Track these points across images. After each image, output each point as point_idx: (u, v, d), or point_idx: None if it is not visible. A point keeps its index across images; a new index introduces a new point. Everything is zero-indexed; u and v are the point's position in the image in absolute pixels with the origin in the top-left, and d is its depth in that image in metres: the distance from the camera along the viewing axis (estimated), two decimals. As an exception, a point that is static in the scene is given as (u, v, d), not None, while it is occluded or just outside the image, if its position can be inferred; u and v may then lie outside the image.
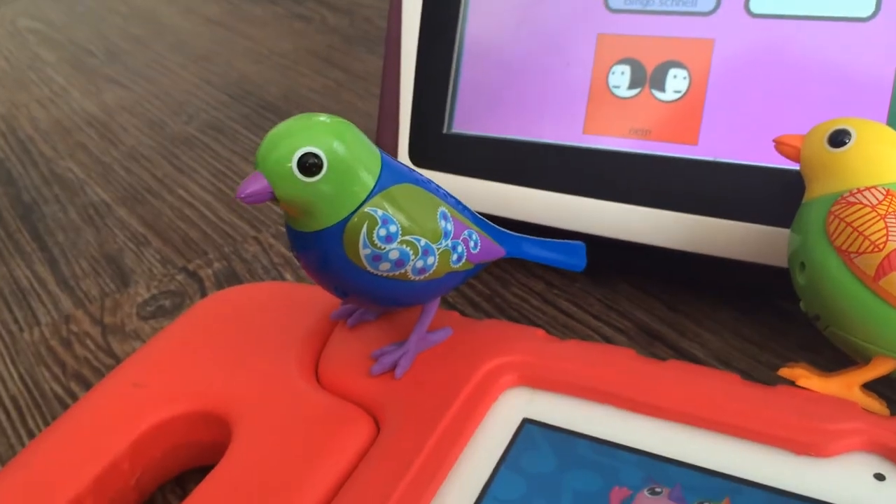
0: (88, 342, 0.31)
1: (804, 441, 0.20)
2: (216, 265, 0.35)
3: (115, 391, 0.24)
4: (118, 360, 0.30)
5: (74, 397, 0.28)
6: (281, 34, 0.62)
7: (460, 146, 0.31)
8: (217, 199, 0.40)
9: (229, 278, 0.34)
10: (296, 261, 0.34)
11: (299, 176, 0.20)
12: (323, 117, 0.21)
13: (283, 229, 0.36)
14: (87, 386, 0.29)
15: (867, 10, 0.25)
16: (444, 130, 0.31)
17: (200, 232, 0.37)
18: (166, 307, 0.32)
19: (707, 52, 0.27)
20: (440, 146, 0.31)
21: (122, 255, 0.36)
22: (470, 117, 0.31)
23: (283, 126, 0.20)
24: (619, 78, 0.28)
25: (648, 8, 0.28)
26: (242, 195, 0.20)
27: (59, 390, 0.29)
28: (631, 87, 0.28)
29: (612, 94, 0.28)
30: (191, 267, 0.35)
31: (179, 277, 0.34)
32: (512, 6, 0.30)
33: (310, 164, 0.20)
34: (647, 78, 0.28)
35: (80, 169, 0.45)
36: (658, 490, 0.20)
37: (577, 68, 0.29)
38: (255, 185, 0.20)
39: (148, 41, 0.64)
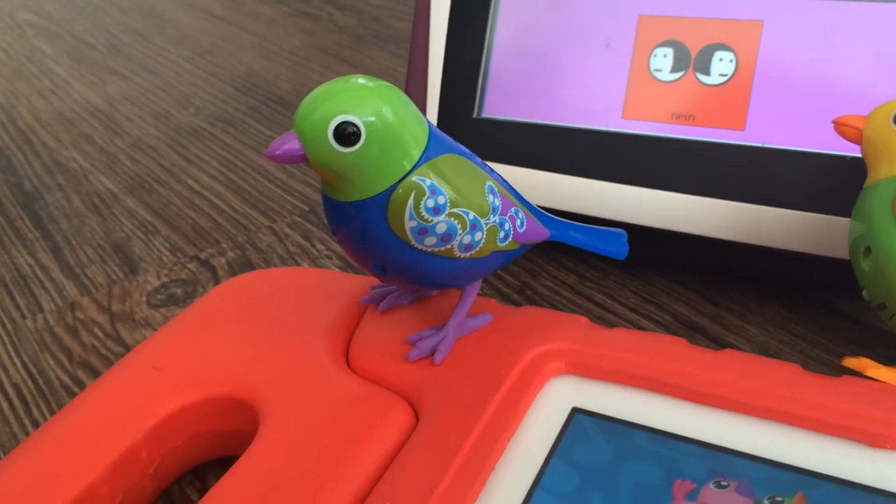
0: (96, 330, 0.29)
1: (880, 433, 0.19)
2: (230, 254, 0.33)
3: (133, 374, 0.22)
4: (128, 349, 0.28)
5: (82, 386, 0.27)
6: (288, 31, 0.60)
7: (491, 131, 0.29)
8: (228, 189, 0.38)
9: (244, 268, 0.32)
10: (313, 250, 0.33)
11: (335, 144, 0.19)
12: (368, 80, 0.19)
13: (300, 219, 0.35)
14: (96, 375, 0.27)
15: (926, -9, 0.24)
16: (474, 115, 0.30)
17: (212, 221, 0.36)
18: (178, 295, 0.31)
19: (755, 35, 0.26)
20: (470, 131, 0.30)
21: (130, 243, 0.35)
22: (501, 101, 0.30)
23: (325, 87, 0.19)
24: (662, 61, 0.27)
25: (694, -12, 0.27)
26: (273, 154, 0.19)
27: (66, 379, 0.27)
28: (674, 70, 0.27)
29: (654, 77, 0.27)
30: (203, 256, 0.33)
31: (191, 266, 0.33)
32: (550, -15, 0.29)
33: (347, 134, 0.19)
34: (692, 61, 0.27)
35: (84, 158, 0.43)
36: (724, 483, 0.18)
37: (616, 50, 0.28)
38: (287, 144, 0.19)
39: (150, 35, 0.62)
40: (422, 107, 0.31)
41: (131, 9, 0.69)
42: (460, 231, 0.20)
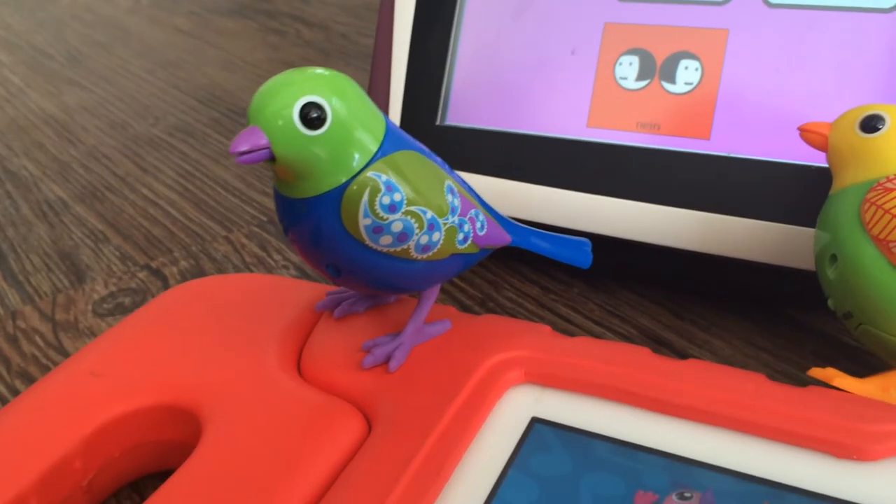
0: (37, 339, 0.28)
1: (846, 443, 0.18)
2: (182, 263, 0.32)
3: (68, 380, 0.21)
4: (70, 359, 0.27)
5: (19, 396, 0.25)
6: (255, 46, 0.60)
7: (454, 139, 0.29)
8: (184, 199, 0.37)
9: (197, 277, 0.31)
10: (270, 260, 0.32)
11: (301, 128, 0.18)
12: (322, 70, 0.19)
13: (257, 229, 0.34)
14: (34, 385, 0.26)
15: (889, 2, 0.24)
16: (437, 122, 0.29)
17: (165, 230, 0.35)
18: (126, 305, 0.30)
19: (721, 43, 0.26)
20: (433, 139, 0.29)
21: (78, 251, 0.33)
22: (465, 108, 0.29)
23: (280, 77, 0.18)
24: (627, 69, 0.27)
25: (659, -3, 0.27)
26: (236, 151, 0.17)
27: (3, 389, 0.26)
28: (639, 78, 0.27)
29: (619, 85, 0.27)
30: (154, 265, 0.32)
31: (141, 275, 0.32)
32: (515, -9, 0.28)
33: (313, 117, 0.18)
34: (657, 69, 0.27)
35: (36, 167, 0.42)
36: (687, 495, 0.18)
37: (581, 58, 0.28)
38: (251, 140, 0.18)
39: (112, 47, 0.61)
40: (384, 113, 0.30)
41: (96, 22, 0.68)
42: (417, 230, 0.19)
